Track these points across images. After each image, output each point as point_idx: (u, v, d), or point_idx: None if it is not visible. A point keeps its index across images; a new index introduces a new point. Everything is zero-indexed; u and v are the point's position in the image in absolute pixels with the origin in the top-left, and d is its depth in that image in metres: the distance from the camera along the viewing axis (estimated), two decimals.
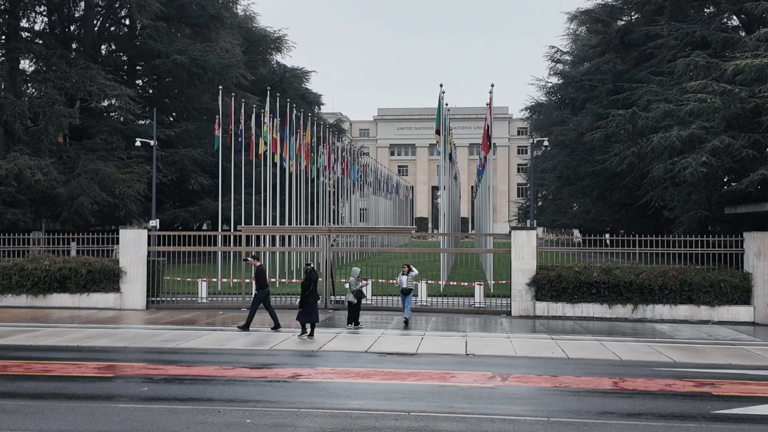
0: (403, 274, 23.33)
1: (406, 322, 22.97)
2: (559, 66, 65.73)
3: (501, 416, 11.91)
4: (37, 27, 52.00)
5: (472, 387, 14.18)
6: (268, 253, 34.01)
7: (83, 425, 11.17)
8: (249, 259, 23.31)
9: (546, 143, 52.46)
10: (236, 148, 39.35)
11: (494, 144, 70.31)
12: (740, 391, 14.13)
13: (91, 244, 28.73)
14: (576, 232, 74.39)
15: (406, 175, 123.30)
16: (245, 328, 21.42)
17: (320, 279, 28.45)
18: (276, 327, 21.48)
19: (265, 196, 39.43)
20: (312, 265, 22.08)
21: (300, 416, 11.75)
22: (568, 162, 59.27)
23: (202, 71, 50.43)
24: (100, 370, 15.78)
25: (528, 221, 46.15)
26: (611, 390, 14.17)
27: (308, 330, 20.47)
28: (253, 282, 22.67)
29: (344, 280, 29.99)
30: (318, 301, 21.14)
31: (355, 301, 22.18)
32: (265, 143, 37.85)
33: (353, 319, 22.20)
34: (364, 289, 23.38)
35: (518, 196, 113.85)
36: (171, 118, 58.57)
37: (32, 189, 40.23)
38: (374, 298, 28.15)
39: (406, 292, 23.25)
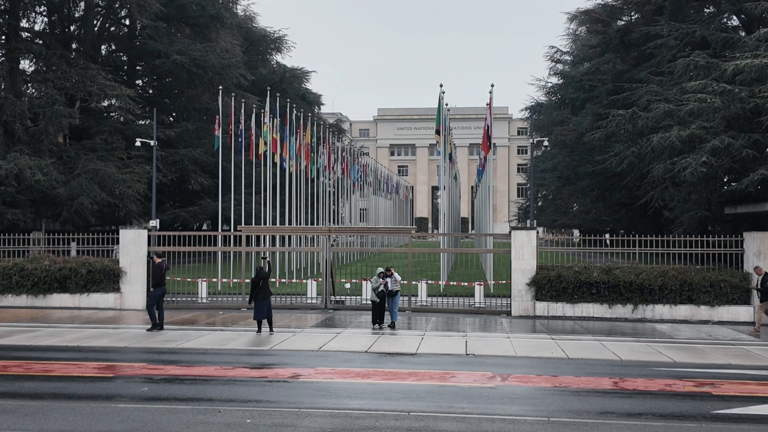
0: (387, 276, 22.39)
1: (393, 325, 22.10)
2: (559, 66, 65.74)
3: (501, 416, 11.91)
4: (37, 27, 52.00)
5: (472, 387, 14.19)
6: (268, 253, 33.98)
7: (83, 425, 11.17)
8: (153, 256, 23.31)
9: (546, 143, 52.43)
10: (236, 148, 39.37)
11: (494, 144, 70.35)
12: (740, 391, 14.13)
13: (91, 244, 28.74)
14: (576, 232, 74.44)
15: (406, 175, 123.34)
16: (156, 327, 21.43)
17: (320, 279, 28.61)
18: (153, 327, 21.45)
19: (265, 196, 39.44)
20: (268, 259, 22.17)
21: (300, 416, 11.75)
22: (568, 162, 59.27)
23: (202, 71, 50.44)
24: (100, 370, 15.78)
25: (528, 221, 46.14)
26: (611, 390, 14.17)
27: (263, 327, 20.89)
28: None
29: (344, 280, 30.09)
30: (269, 297, 21.11)
31: (378, 300, 22.10)
32: (265, 143, 37.87)
33: (377, 319, 22.19)
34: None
35: (518, 196, 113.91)
36: (171, 118, 58.59)
37: (32, 189, 40.22)
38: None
39: (392, 294, 22.29)
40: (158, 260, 22.29)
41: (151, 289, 22.04)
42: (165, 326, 21.97)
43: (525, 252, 25.64)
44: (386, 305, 22.37)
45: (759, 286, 21.94)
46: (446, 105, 34.56)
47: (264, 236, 36.29)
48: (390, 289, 22.21)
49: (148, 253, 27.27)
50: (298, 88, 68.67)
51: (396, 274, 22.75)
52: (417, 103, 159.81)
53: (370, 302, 22.80)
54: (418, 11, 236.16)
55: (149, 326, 21.65)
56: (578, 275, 24.97)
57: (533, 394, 13.83)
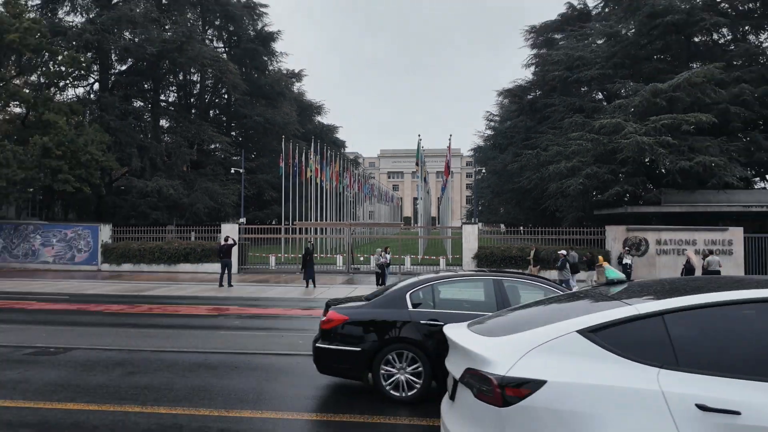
0: (387, 253, 21.49)
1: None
2: (492, 123, 65.46)
3: None
4: (171, 99, 51.97)
5: None
6: (312, 238, 33.96)
7: (200, 344, 11.18)
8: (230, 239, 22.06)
9: (483, 171, 52.34)
10: (293, 173, 39.31)
11: (452, 171, 70.12)
12: None
13: (203, 233, 28.74)
14: (502, 226, 74.08)
15: (398, 191, 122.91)
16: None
17: (345, 254, 28.57)
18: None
19: (309, 203, 39.38)
20: (311, 242, 22.12)
21: None
22: (497, 182, 58.96)
23: (272, 126, 50.40)
24: (209, 310, 15.79)
25: (473, 219, 46.09)
26: None
27: (310, 284, 20.62)
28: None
29: (360, 255, 30.01)
30: (313, 266, 20.66)
31: (380, 272, 21.21)
32: (310, 171, 37.84)
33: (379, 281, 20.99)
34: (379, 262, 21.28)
35: (466, 203, 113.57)
36: (253, 155, 58.46)
37: (167, 199, 40.18)
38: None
39: (388, 266, 21.33)
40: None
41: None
42: (249, 284, 21.88)
43: (471, 238, 25.64)
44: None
45: (531, 257, 21.29)
46: (423, 147, 34.55)
47: (310, 228, 36.26)
48: (387, 262, 21.42)
49: (239, 238, 27.21)
50: (330, 137, 68.40)
51: (385, 253, 21.44)
52: (405, 145, 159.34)
53: (376, 271, 21.93)
54: (405, 75, 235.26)
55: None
56: (503, 252, 24.98)
57: None
